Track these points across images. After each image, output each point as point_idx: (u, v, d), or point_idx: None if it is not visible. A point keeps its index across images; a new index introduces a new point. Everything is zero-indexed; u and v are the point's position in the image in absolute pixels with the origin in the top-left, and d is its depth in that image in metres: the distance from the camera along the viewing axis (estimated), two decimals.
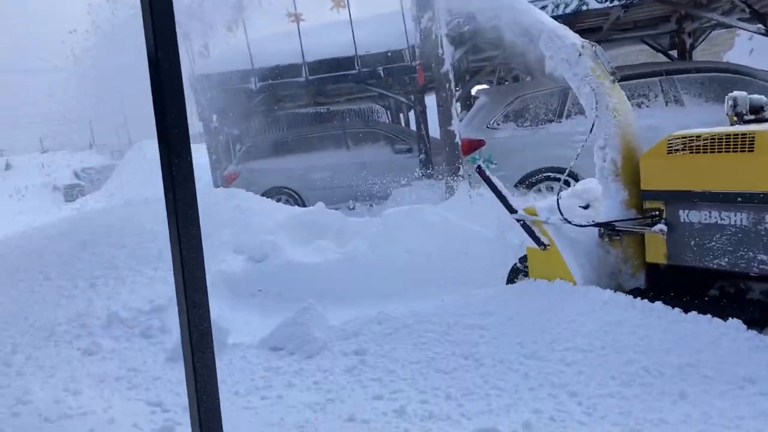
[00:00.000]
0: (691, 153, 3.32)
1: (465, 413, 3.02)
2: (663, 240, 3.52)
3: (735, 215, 3.19)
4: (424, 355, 3.72)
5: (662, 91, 7.22)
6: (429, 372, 3.53)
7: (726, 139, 3.17)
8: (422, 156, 10.62)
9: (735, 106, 3.54)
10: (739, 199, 3.15)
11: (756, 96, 3.60)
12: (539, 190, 7.41)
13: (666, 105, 7.17)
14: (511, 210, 4.01)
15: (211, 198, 7.54)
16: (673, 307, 3.30)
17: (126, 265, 6.63)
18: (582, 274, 3.74)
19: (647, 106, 7.25)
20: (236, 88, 10.16)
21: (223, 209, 7.11)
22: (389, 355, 3.82)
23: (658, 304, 3.38)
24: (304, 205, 10.96)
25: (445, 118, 6.94)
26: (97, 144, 53.09)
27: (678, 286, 3.59)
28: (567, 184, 7.34)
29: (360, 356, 3.90)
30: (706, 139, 3.25)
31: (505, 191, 4.03)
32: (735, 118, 3.59)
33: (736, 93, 3.58)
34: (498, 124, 7.71)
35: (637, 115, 7.49)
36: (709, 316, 3.20)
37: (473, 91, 10.00)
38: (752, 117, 3.57)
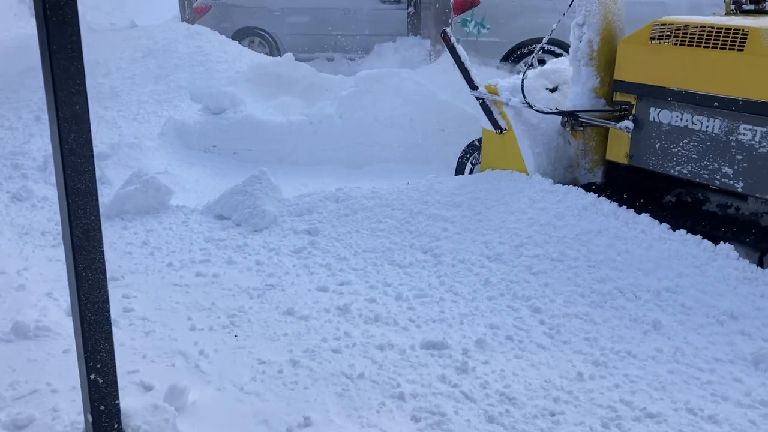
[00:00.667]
0: (675, 44, 2.97)
1: (414, 319, 2.72)
2: (627, 138, 3.27)
3: (708, 121, 2.91)
4: (380, 244, 3.38)
5: None
6: (383, 264, 3.19)
7: (715, 33, 2.81)
8: (410, 9, 9.78)
9: None
10: (716, 103, 2.85)
11: None
12: (531, 64, 6.82)
13: None
14: (472, 85, 3.67)
15: (171, 34, 6.87)
16: (637, 212, 3.05)
17: None
18: (536, 164, 3.49)
19: None
20: None
21: (183, 49, 6.46)
22: (343, 239, 3.47)
23: (644, 216, 3.03)
24: (278, 51, 10.21)
25: None
26: None
27: (635, 187, 3.37)
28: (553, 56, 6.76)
29: (311, 236, 3.54)
30: (694, 30, 2.88)
31: (468, 64, 3.66)
32: (732, 7, 3.27)
33: None
34: None
35: None
36: (699, 237, 2.86)
37: None
38: (752, 7, 3.24)
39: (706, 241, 2.84)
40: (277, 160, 5.08)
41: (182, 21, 9.61)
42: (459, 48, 3.65)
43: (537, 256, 3.02)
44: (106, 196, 4.29)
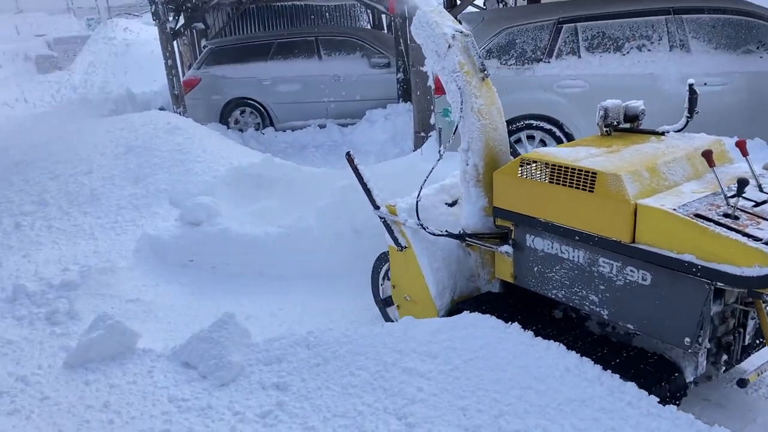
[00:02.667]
0: (539, 180, 3.07)
1: None
2: (509, 261, 3.38)
3: (573, 251, 3.02)
4: (351, 406, 3.10)
5: (668, 32, 6.25)
6: None
7: (570, 172, 2.92)
8: (399, 75, 9.61)
9: (605, 117, 3.34)
10: (576, 237, 2.94)
11: (634, 103, 3.38)
12: (519, 140, 6.59)
13: (670, 50, 6.23)
14: (375, 205, 3.78)
15: (151, 127, 6.73)
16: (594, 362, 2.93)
17: (56, 202, 6.03)
18: (434, 279, 3.59)
19: (648, 50, 6.31)
20: None
21: (164, 146, 6.34)
22: (312, 398, 3.20)
23: (630, 386, 2.74)
24: (270, 121, 10.07)
25: (418, 56, 5.91)
26: (75, 7, 50.21)
27: (528, 298, 3.45)
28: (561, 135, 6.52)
29: (280, 393, 3.27)
30: (554, 169, 3.00)
31: (371, 184, 3.78)
32: (606, 129, 3.37)
33: (607, 102, 3.35)
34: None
35: (636, 61, 6.64)
36: (691, 417, 2.57)
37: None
38: (627, 126, 3.38)
39: (698, 422, 2.55)
40: (255, 272, 4.86)
41: (171, 93, 9.49)
42: (361, 169, 3.75)
43: (518, 431, 2.74)
44: (73, 336, 4.08)
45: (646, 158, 2.93)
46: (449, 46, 3.37)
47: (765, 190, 2.70)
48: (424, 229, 3.53)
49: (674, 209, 2.60)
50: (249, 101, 9.98)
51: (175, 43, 11.19)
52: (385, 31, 12.41)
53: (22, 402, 3.46)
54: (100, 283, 4.54)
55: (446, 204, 3.78)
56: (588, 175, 2.83)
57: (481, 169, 3.47)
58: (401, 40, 9.02)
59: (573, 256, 3.02)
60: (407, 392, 3.10)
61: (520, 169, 3.16)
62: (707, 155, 2.74)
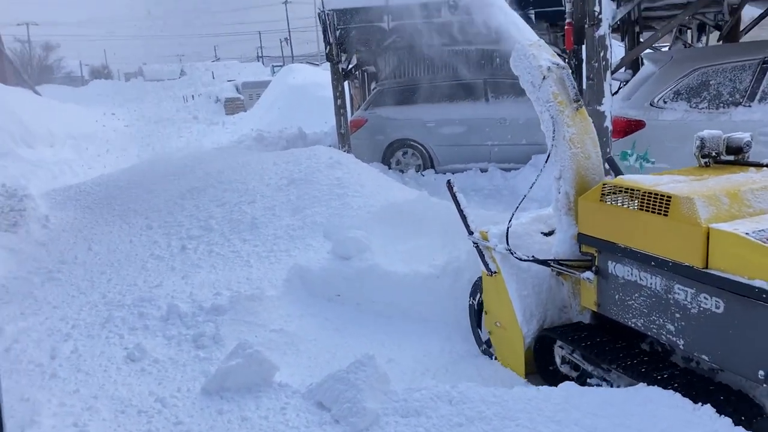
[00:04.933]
0: (619, 205, 3.11)
1: None
2: (593, 288, 3.36)
3: (651, 278, 2.98)
4: None
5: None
6: None
7: (647, 197, 2.94)
8: None
9: (702, 147, 3.29)
10: (653, 263, 2.92)
11: (737, 135, 3.27)
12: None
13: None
14: (469, 231, 3.84)
15: (314, 161, 6.79)
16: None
17: (220, 228, 6.22)
18: (523, 307, 3.60)
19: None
20: (368, 27, 9.09)
21: (323, 180, 6.34)
22: None
23: None
24: (432, 163, 9.91)
25: (595, 94, 5.43)
26: (264, 56, 54.82)
27: (617, 329, 3.34)
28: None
29: None
30: (632, 193, 3.05)
31: (467, 211, 3.86)
32: (704, 161, 3.31)
33: (705, 132, 3.31)
34: (665, 102, 6.03)
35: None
36: None
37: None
38: (731, 158, 3.27)
39: None
40: (400, 313, 4.55)
41: (338, 132, 9.67)
42: (460, 196, 3.82)
43: None
44: (214, 361, 4.00)
45: (731, 185, 2.88)
46: (544, 77, 3.48)
47: None
48: (512, 254, 3.58)
49: (747, 233, 2.54)
50: (411, 142, 9.90)
51: (346, 84, 11.54)
52: None
53: (157, 424, 3.38)
54: (247, 310, 4.47)
55: (542, 233, 3.79)
56: (663, 199, 2.84)
57: (572, 197, 3.51)
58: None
59: (651, 283, 2.98)
60: None
61: (602, 194, 3.21)
62: None
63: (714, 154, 3.28)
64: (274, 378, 3.65)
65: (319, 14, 9.28)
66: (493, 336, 3.89)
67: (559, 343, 3.49)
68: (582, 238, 3.38)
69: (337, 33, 9.26)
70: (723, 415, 2.53)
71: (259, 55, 58.10)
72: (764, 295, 2.43)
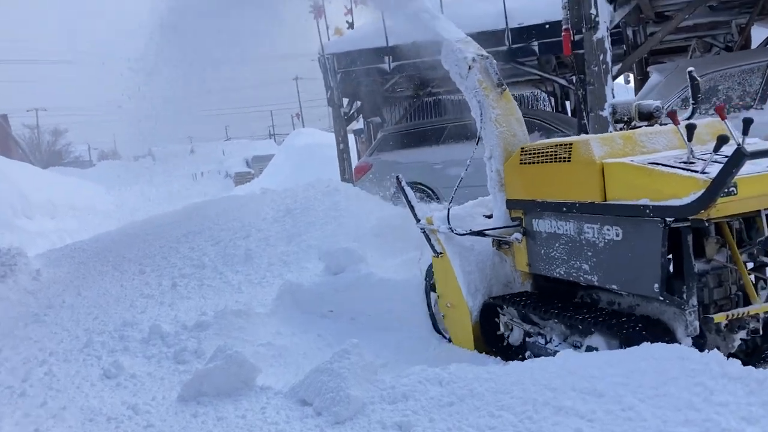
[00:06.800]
0: (533, 164, 3.53)
1: None
2: (523, 248, 3.72)
3: (566, 225, 3.36)
4: None
5: None
6: None
7: (554, 149, 3.35)
8: None
9: (614, 113, 3.72)
10: (564, 208, 3.31)
11: (647, 101, 3.65)
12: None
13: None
14: (417, 218, 4.22)
15: (312, 192, 6.88)
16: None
17: (212, 264, 6.27)
18: (467, 282, 3.90)
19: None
20: (368, 69, 9.32)
21: (320, 206, 6.44)
22: None
23: None
24: (440, 204, 9.91)
25: (596, 99, 5.46)
26: (275, 133, 56.19)
27: (554, 293, 3.69)
28: None
29: None
30: (541, 150, 3.46)
31: (414, 201, 4.27)
32: (618, 126, 3.70)
33: (616, 100, 3.88)
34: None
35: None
36: None
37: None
38: (643, 124, 3.59)
39: None
40: (396, 322, 4.44)
41: (341, 177, 9.76)
42: (408, 190, 4.27)
43: None
44: (191, 372, 3.89)
45: (628, 133, 3.31)
46: (470, 68, 3.94)
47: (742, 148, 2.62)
48: (452, 231, 3.94)
49: (632, 160, 2.99)
50: (419, 185, 9.93)
51: (352, 138, 11.75)
52: (569, 115, 12.08)
53: (126, 428, 3.26)
54: (233, 325, 4.39)
55: (484, 216, 4.12)
56: (565, 147, 3.28)
57: (502, 174, 3.83)
58: (584, 114, 8.59)
59: (566, 230, 3.35)
60: None
61: (521, 158, 3.62)
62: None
63: (626, 119, 3.67)
64: (255, 382, 3.54)
65: (318, 59, 9.54)
66: (447, 318, 4.16)
67: (501, 311, 3.78)
68: (509, 204, 3.78)
69: (338, 77, 9.49)
70: (636, 342, 2.78)
71: (271, 132, 59.46)
72: (648, 211, 2.82)
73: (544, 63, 9.53)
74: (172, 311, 4.99)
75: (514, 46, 8.67)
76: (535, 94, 14.09)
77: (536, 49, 8.70)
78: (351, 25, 10.44)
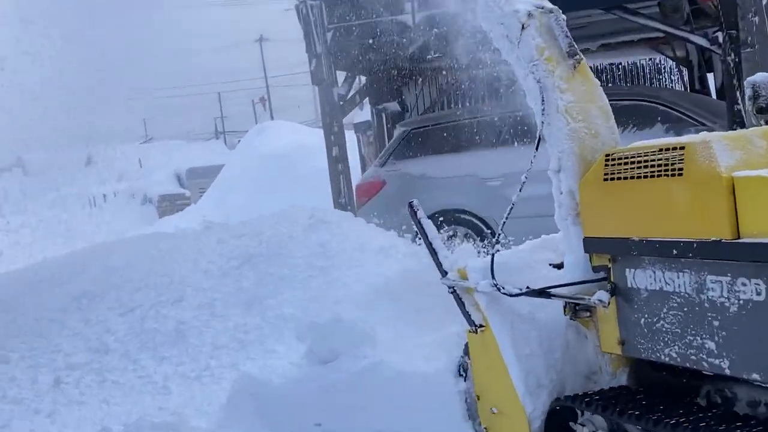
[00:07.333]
0: (624, 179, 3.50)
1: None
2: (612, 317, 3.68)
3: (678, 277, 3.34)
4: None
5: None
6: None
7: (656, 157, 3.34)
8: None
9: (755, 97, 3.82)
10: (674, 251, 3.28)
11: None
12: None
13: None
14: (442, 271, 4.25)
15: (286, 227, 7.01)
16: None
17: (121, 347, 6.52)
18: (524, 371, 3.87)
19: None
20: (378, 22, 9.48)
21: (299, 250, 6.63)
22: None
23: None
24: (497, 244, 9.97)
25: (757, 68, 5.53)
26: (228, 131, 56.69)
27: (667, 388, 3.69)
28: None
29: None
30: (637, 158, 3.43)
31: (438, 243, 4.30)
32: (762, 117, 3.78)
33: (758, 76, 3.80)
34: None
35: None
36: None
37: None
38: None
39: None
40: None
41: (335, 201, 9.87)
42: (427, 223, 4.30)
43: None
44: None
45: None
46: (523, 26, 3.88)
47: None
48: (499, 290, 3.86)
49: None
50: (462, 215, 10.00)
51: (352, 137, 11.87)
52: (714, 96, 12.19)
53: None
54: None
55: (551, 265, 4.13)
56: (674, 153, 3.26)
57: (578, 196, 3.81)
58: (738, 94, 8.67)
59: (678, 285, 3.33)
60: None
61: (606, 169, 3.58)
62: None
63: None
64: None
65: (296, 6, 9.71)
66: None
67: (579, 419, 3.71)
68: (589, 245, 3.74)
69: (328, 36, 9.64)
70: None
71: (219, 129, 60.06)
72: None
73: (671, 11, 9.65)
74: (52, 426, 5.08)
75: None
76: (656, 61, 14.27)
77: None
78: None
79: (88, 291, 7.45)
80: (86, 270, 8.12)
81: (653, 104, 10.02)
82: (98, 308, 7.07)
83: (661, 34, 10.81)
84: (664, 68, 14.45)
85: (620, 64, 14.46)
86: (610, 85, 13.72)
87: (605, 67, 14.40)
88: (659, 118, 9.96)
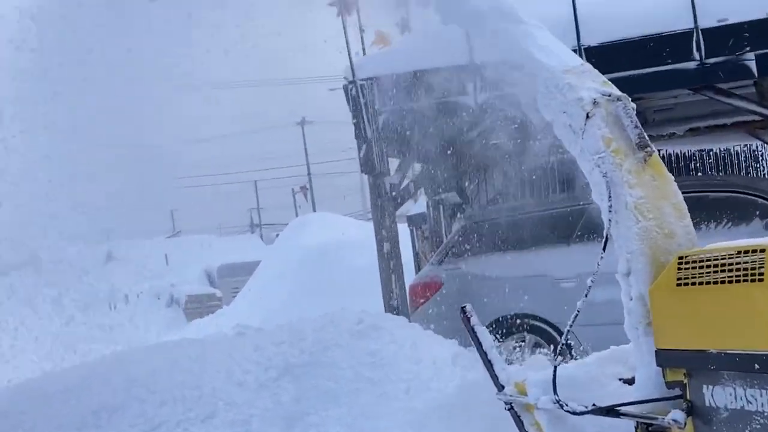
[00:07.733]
0: (700, 284, 3.55)
1: None
2: None
3: (761, 394, 3.33)
4: None
5: None
6: None
7: (734, 260, 3.40)
8: None
9: None
10: (756, 365, 3.28)
11: None
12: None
13: None
14: (498, 385, 4.41)
15: (332, 332, 7.03)
16: None
17: None
18: None
19: None
20: (436, 104, 9.58)
21: (344, 359, 6.56)
22: None
23: None
24: (572, 355, 9.90)
25: None
26: (264, 224, 56.99)
27: None
28: None
29: None
30: (714, 261, 3.50)
31: (494, 354, 4.49)
32: None
33: None
34: None
35: None
36: None
37: None
38: None
39: None
40: None
41: (385, 304, 9.87)
42: (481, 331, 4.51)
43: None
44: None
45: None
46: (588, 116, 4.03)
47: None
48: (562, 407, 3.93)
49: None
50: (532, 322, 9.96)
51: (405, 231, 11.92)
52: None
53: None
54: None
55: (620, 380, 4.23)
56: (754, 256, 3.33)
57: (648, 303, 3.89)
58: None
59: (762, 404, 3.35)
60: None
61: (679, 273, 3.66)
62: None
63: None
64: None
65: (344, 87, 9.84)
66: None
67: None
68: (662, 358, 3.79)
69: (380, 119, 9.74)
70: None
71: (255, 222, 60.49)
72: None
73: None
74: None
75: (709, 61, 8.85)
76: (752, 148, 14.29)
77: (753, 66, 8.88)
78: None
79: (108, 404, 7.38)
80: (106, 381, 8.10)
81: (751, 196, 9.94)
82: (119, 424, 7.02)
83: (758, 117, 10.79)
84: (762, 155, 14.42)
85: (711, 150, 14.41)
86: (699, 174, 13.69)
87: (693, 154, 14.36)
88: (758, 213, 9.88)
